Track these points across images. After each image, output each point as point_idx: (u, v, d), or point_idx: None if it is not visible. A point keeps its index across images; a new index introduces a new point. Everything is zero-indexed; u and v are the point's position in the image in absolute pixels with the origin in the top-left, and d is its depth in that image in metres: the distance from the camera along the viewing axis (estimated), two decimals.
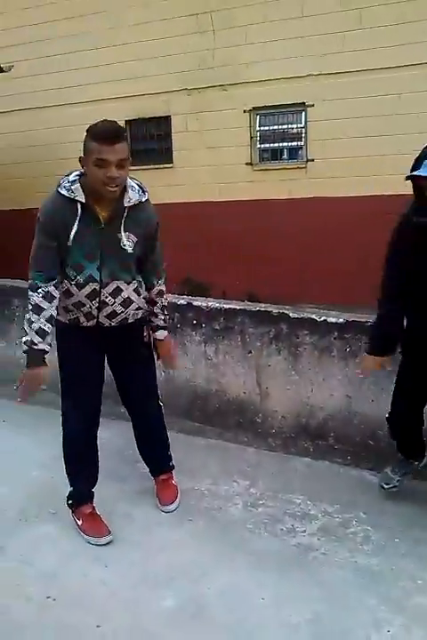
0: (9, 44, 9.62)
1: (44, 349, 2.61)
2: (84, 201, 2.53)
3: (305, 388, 3.58)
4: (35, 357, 2.61)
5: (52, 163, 9.93)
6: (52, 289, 2.58)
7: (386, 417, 2.96)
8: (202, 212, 8.81)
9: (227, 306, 3.81)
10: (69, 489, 2.97)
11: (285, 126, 8.83)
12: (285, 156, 9.00)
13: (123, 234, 2.60)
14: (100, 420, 2.98)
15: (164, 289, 2.90)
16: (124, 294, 2.71)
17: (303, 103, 8.43)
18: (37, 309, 2.57)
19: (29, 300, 2.59)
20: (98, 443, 2.97)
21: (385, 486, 3.02)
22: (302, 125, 8.66)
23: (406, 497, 3.03)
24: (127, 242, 2.61)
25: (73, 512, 2.97)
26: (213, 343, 3.84)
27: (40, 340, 2.58)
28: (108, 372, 2.94)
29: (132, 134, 9.75)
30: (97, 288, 2.64)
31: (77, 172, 2.60)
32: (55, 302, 2.61)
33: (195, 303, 3.89)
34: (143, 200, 2.64)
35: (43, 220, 2.57)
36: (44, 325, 2.58)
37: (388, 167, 7.33)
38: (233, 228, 8.47)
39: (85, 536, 2.86)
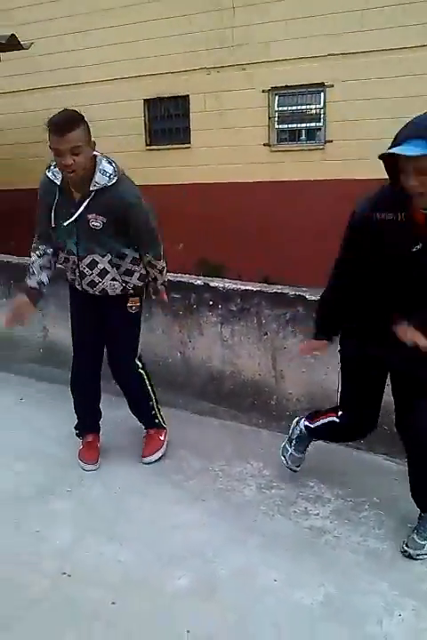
0: (28, 21, 9.57)
1: (29, 285, 3.06)
2: (59, 184, 2.88)
3: (320, 371, 3.57)
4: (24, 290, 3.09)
5: None
6: (44, 248, 3.07)
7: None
8: (219, 192, 8.77)
9: (243, 287, 3.80)
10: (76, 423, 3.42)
11: (303, 107, 8.73)
12: (303, 137, 8.91)
13: (90, 215, 2.86)
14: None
15: (153, 261, 3.11)
16: (100, 266, 3.00)
17: (322, 83, 8.32)
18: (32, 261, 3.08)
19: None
20: (101, 391, 3.41)
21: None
22: (320, 106, 8.56)
23: None
24: (95, 222, 2.88)
25: (80, 440, 3.43)
26: (229, 324, 3.84)
27: (28, 278, 3.06)
28: None
29: (150, 114, 9.71)
30: (76, 260, 3.01)
31: None
32: (46, 258, 3.07)
33: (211, 284, 3.88)
34: (109, 184, 2.83)
35: (39, 197, 3.03)
36: (32, 269, 3.06)
37: None
38: (250, 210, 8.43)
39: (79, 460, 3.34)
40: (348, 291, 2.56)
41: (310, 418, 3.03)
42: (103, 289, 3.06)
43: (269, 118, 8.82)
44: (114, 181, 2.83)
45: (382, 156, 2.14)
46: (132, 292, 3.13)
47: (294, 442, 3.08)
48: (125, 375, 3.33)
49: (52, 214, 2.93)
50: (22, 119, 9.98)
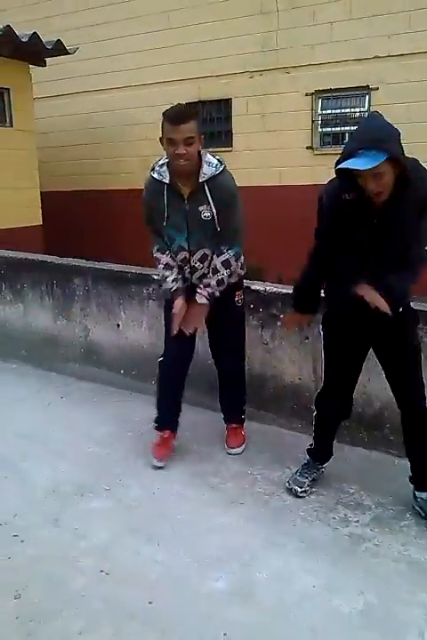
0: (73, 26, 9.77)
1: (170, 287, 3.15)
2: (168, 182, 2.99)
3: (362, 377, 3.48)
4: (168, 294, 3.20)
5: (113, 145, 10.08)
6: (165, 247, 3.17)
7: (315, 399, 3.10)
8: (261, 196, 8.74)
9: (284, 291, 3.77)
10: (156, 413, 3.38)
11: (347, 110, 8.64)
12: (346, 141, 8.81)
13: (201, 207, 2.98)
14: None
15: (231, 259, 3.12)
16: (210, 259, 3.10)
17: (367, 86, 8.22)
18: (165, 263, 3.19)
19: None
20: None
21: (299, 491, 3.03)
22: (364, 109, 8.43)
23: None
24: (207, 213, 2.99)
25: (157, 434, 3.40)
26: (270, 328, 3.81)
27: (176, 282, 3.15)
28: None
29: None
30: (187, 256, 3.12)
31: (167, 156, 2.99)
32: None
33: (253, 287, 3.86)
34: (217, 173, 2.97)
35: (143, 200, 3.14)
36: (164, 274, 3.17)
37: None
38: (292, 213, 8.37)
39: (150, 451, 3.34)
40: (325, 270, 2.82)
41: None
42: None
43: (313, 121, 8.76)
44: (220, 170, 2.99)
45: (339, 171, 2.44)
46: (235, 279, 3.23)
47: (299, 469, 3.16)
48: (232, 367, 3.43)
49: (165, 212, 3.03)
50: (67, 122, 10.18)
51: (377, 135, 2.35)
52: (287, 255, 8.65)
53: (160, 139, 2.93)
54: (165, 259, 3.16)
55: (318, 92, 8.63)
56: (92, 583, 2.47)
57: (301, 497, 3.01)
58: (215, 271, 3.10)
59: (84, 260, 4.69)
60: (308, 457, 3.15)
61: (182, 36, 9.19)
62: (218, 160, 3.03)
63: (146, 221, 3.20)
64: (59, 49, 8.09)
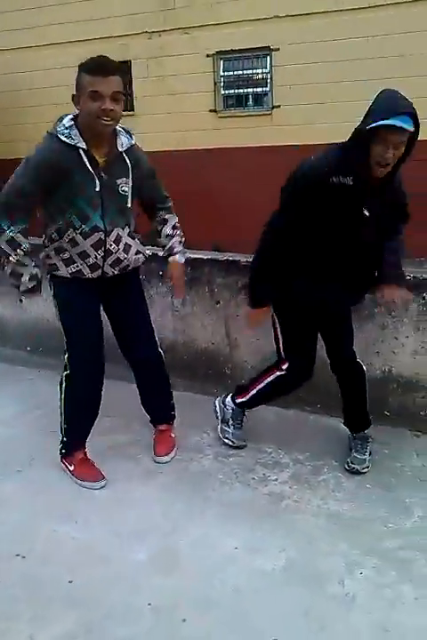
0: None
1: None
2: (85, 147, 2.51)
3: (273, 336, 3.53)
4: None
5: (6, 111, 9.55)
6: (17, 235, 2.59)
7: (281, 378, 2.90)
8: (164, 161, 8.56)
9: (194, 256, 3.72)
10: (63, 439, 2.93)
11: (249, 71, 8.60)
12: (250, 103, 8.80)
13: (120, 179, 2.62)
14: None
15: (173, 216, 2.96)
16: (124, 240, 2.72)
17: (268, 47, 8.21)
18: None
19: None
20: None
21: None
22: (266, 71, 8.44)
23: (376, 444, 3.05)
24: (125, 187, 2.64)
25: (64, 458, 2.95)
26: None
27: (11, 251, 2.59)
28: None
29: None
30: (102, 237, 2.63)
31: (71, 116, 2.57)
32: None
33: (160, 254, 3.78)
34: (132, 144, 2.68)
35: (35, 165, 2.52)
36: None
37: (358, 113, 7.19)
38: (197, 178, 8.29)
39: (79, 481, 2.87)
40: (288, 253, 2.61)
41: (240, 392, 3.11)
42: (126, 266, 2.78)
43: (215, 83, 8.66)
44: (134, 141, 2.70)
45: (375, 127, 2.24)
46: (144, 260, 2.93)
47: (230, 422, 3.13)
48: (152, 360, 3.04)
49: (74, 183, 2.52)
50: None
51: (411, 106, 2.27)
52: (195, 220, 8.61)
53: (74, 96, 2.49)
54: (13, 233, 2.58)
55: (219, 53, 8.52)
56: (8, 568, 2.37)
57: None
58: (171, 236, 2.93)
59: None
60: (236, 408, 3.12)
61: None
62: (125, 129, 2.70)
63: (15, 192, 2.54)
64: None
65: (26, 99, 9.21)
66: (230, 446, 3.11)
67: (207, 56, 8.53)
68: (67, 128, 2.52)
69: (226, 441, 3.12)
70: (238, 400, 3.10)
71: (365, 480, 2.79)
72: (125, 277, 2.83)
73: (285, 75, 8.10)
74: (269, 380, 2.94)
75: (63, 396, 2.87)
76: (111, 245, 2.66)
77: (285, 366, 2.85)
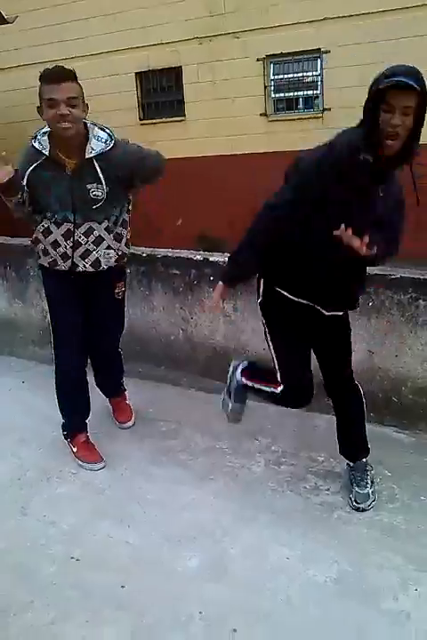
0: None
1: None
2: (47, 154, 2.71)
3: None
4: None
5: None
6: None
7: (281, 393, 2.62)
8: (216, 165, 8.63)
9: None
10: (62, 421, 3.17)
11: (300, 74, 8.56)
12: (300, 106, 8.75)
13: (91, 185, 2.75)
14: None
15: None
16: (96, 233, 2.86)
17: (319, 49, 8.15)
18: None
19: None
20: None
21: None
22: (317, 73, 8.39)
23: None
24: (96, 191, 2.76)
25: (69, 441, 3.18)
26: (231, 300, 3.76)
27: None
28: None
29: (142, 87, 9.53)
30: (71, 228, 2.83)
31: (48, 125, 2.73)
32: None
33: (211, 259, 3.80)
34: (107, 150, 2.73)
35: (19, 165, 2.71)
36: None
37: None
38: (248, 182, 8.29)
39: (81, 462, 3.11)
40: (282, 236, 2.42)
41: (249, 375, 2.84)
42: (96, 259, 2.90)
43: (266, 87, 8.66)
44: (111, 146, 2.74)
45: (383, 88, 2.13)
46: (121, 257, 3.00)
47: (232, 394, 2.88)
48: (113, 357, 3.34)
49: (41, 185, 2.75)
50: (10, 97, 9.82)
51: (415, 68, 2.15)
52: (246, 224, 8.64)
53: (38, 107, 2.65)
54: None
55: (269, 56, 8.51)
56: (63, 571, 2.42)
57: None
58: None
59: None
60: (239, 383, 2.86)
61: (126, 3, 8.91)
62: (108, 134, 2.77)
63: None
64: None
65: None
66: (227, 420, 2.98)
67: (257, 60, 8.55)
68: (42, 134, 2.75)
69: (223, 410, 2.96)
70: (244, 381, 2.83)
71: (419, 491, 2.73)
72: (103, 280, 3.00)
73: (336, 77, 8.03)
74: (267, 389, 2.70)
75: (56, 383, 3.14)
76: (80, 237, 2.84)
77: (279, 389, 2.61)
